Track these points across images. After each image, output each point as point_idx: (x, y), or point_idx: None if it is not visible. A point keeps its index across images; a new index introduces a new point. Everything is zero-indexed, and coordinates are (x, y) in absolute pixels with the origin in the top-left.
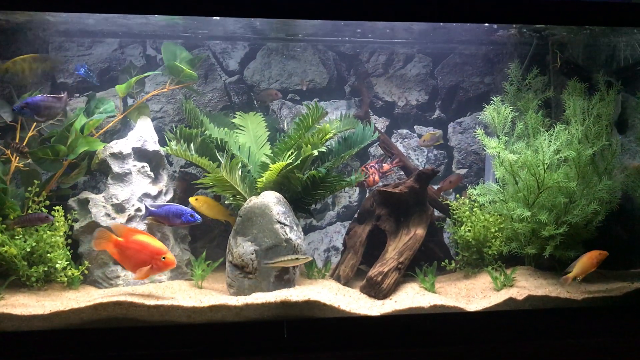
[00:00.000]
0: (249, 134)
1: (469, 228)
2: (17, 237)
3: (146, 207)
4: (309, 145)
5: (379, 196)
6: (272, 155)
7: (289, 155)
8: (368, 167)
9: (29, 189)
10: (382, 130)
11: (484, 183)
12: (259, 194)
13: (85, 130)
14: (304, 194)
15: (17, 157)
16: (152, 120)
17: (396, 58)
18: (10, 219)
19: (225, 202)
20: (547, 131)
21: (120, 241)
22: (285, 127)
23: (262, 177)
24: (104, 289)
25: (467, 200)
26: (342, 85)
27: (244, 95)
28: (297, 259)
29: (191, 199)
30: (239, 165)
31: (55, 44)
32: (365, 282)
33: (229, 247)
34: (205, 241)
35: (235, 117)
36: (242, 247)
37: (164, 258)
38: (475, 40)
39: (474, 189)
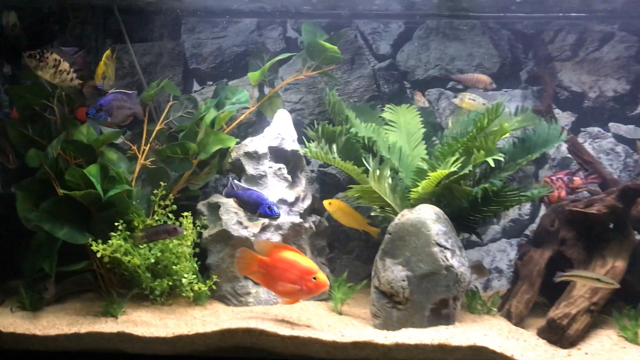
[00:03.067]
0: (400, 131)
1: None
2: (141, 245)
3: (232, 185)
4: (481, 150)
5: (566, 215)
6: (429, 159)
7: (454, 162)
8: (554, 179)
9: (155, 191)
10: (567, 128)
11: None
12: (412, 206)
13: (216, 125)
14: (471, 209)
15: (144, 154)
16: (290, 112)
17: (589, 37)
18: (135, 224)
19: (371, 214)
20: None
21: (265, 260)
22: (450, 124)
23: (418, 186)
24: (233, 307)
25: None
26: (517, 71)
27: (396, 83)
28: (598, 280)
29: (325, 203)
30: (389, 172)
31: (188, 25)
32: (546, 325)
33: (375, 270)
34: (344, 252)
35: (384, 110)
36: (392, 272)
37: (314, 278)
38: None
39: None
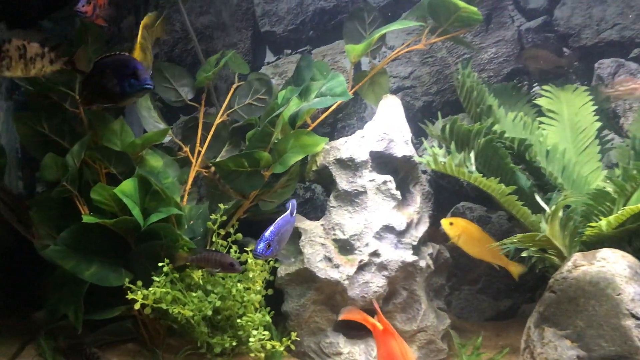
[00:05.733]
0: (563, 126)
1: None
2: (194, 290)
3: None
4: None
5: None
6: (615, 177)
7: None
8: None
9: (213, 216)
10: None
11: None
12: (586, 247)
13: (299, 122)
14: None
15: (200, 157)
16: (396, 91)
17: None
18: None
19: (522, 255)
20: None
21: (377, 328)
22: None
23: (596, 220)
24: None
25: None
26: None
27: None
28: None
29: (444, 223)
30: (564, 203)
31: None
32: None
33: (527, 340)
34: (465, 280)
35: (534, 92)
36: (554, 348)
37: None
38: None
39: None
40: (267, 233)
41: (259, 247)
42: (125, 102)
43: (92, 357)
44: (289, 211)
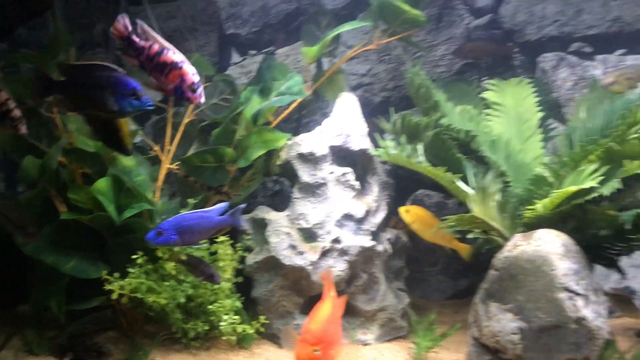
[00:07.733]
0: (507, 117)
1: None
2: (167, 280)
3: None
4: (636, 161)
5: None
6: (545, 153)
7: (592, 173)
8: None
9: (182, 211)
10: None
11: None
12: (527, 228)
13: (260, 119)
14: (615, 238)
15: (170, 155)
16: (356, 88)
17: None
18: (158, 255)
19: (467, 236)
20: None
21: (324, 293)
22: (580, 111)
23: (535, 201)
24: (287, 350)
25: None
26: None
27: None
28: None
29: (401, 210)
30: (497, 187)
31: None
32: None
33: (474, 315)
34: (425, 263)
35: (484, 86)
36: (498, 321)
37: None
38: None
39: None
40: (163, 223)
41: (149, 234)
42: (121, 117)
43: (94, 346)
44: (212, 209)
